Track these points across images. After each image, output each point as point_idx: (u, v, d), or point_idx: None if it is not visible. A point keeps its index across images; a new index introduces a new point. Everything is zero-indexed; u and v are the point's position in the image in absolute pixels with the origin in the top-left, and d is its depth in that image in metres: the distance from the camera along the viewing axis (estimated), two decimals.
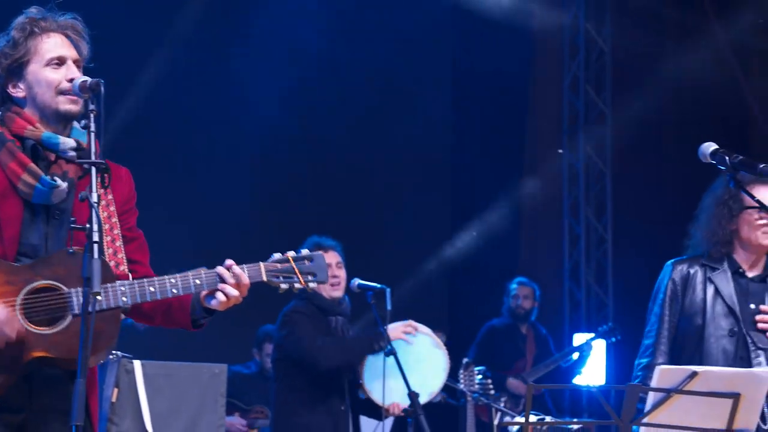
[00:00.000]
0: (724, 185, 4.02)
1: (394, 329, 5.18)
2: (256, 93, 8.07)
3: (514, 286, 8.04)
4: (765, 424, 3.65)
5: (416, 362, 5.17)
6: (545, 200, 9.86)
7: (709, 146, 3.62)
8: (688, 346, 4.03)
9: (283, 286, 2.97)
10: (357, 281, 5.27)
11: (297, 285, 2.97)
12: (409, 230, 8.79)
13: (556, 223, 9.93)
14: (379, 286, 5.19)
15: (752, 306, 4.03)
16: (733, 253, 4.07)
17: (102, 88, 2.80)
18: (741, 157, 3.50)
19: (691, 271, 4.07)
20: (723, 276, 4.04)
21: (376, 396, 5.16)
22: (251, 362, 7.29)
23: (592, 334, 8.16)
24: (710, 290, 4.02)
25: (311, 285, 3.00)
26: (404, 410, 5.07)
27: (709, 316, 4.03)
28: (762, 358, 3.91)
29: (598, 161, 9.85)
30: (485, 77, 9.17)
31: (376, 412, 5.21)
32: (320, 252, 3.09)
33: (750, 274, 4.08)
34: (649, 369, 3.93)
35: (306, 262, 3.01)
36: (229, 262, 2.94)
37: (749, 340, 3.97)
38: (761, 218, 3.97)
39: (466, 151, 9.32)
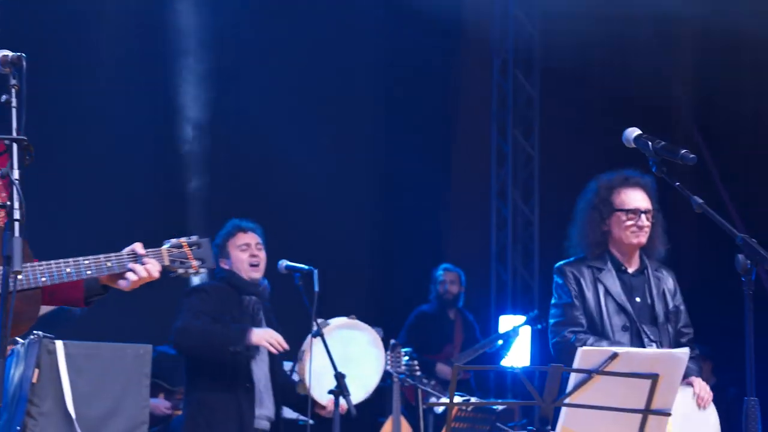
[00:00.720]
0: (594, 190, 4.47)
1: (258, 336, 5.06)
2: (176, 76, 8.01)
3: (440, 272, 8.11)
4: None
5: (354, 360, 5.15)
6: (474, 183, 9.93)
7: (633, 131, 3.69)
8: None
9: (180, 270, 3.06)
10: (284, 263, 5.26)
11: (190, 270, 3.04)
12: (337, 212, 8.79)
13: (484, 206, 10.01)
14: (306, 267, 5.18)
15: (638, 300, 4.40)
16: (610, 252, 4.43)
17: (24, 63, 2.75)
18: (663, 143, 3.57)
19: (580, 272, 4.41)
20: (609, 275, 4.39)
21: (317, 394, 5.13)
22: None
23: (518, 316, 8.26)
24: (601, 290, 4.36)
25: (201, 270, 3.08)
26: (330, 391, 5.07)
27: (605, 315, 4.35)
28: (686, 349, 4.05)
29: (526, 145, 9.95)
30: (415, 62, 9.18)
31: (305, 409, 5.17)
32: (207, 239, 3.15)
33: (630, 270, 4.45)
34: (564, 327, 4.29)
35: (197, 247, 3.07)
36: (137, 245, 3.00)
37: (642, 333, 4.26)
38: (629, 219, 4.36)
39: (395, 135, 9.33)
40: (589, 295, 4.37)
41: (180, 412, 6.72)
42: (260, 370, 5.24)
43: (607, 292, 4.38)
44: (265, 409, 5.21)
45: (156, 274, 3.02)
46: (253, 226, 5.39)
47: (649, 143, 3.60)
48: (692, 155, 3.50)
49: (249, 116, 8.38)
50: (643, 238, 4.41)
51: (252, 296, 5.27)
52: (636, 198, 4.41)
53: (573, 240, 4.54)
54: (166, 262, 3.05)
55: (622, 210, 4.38)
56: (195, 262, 3.08)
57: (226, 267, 5.30)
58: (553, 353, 4.42)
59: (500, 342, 7.77)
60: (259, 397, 5.19)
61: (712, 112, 9.36)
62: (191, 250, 3.08)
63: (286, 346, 5.09)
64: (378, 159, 9.43)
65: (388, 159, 9.39)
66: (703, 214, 3.45)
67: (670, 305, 4.47)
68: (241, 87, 8.43)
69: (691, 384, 4.25)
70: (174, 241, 3.09)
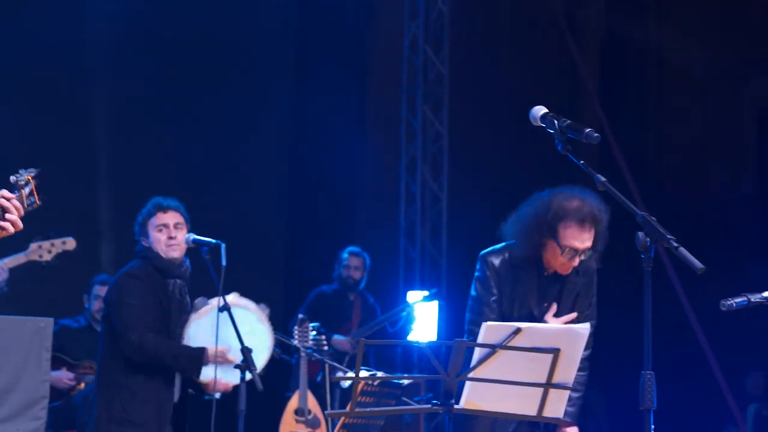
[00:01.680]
0: (546, 206, 4.34)
1: (211, 357, 5.05)
2: (79, 46, 7.85)
3: (345, 255, 8.10)
4: None
5: (243, 336, 5.12)
6: (384, 158, 9.95)
7: (540, 110, 3.71)
8: None
9: (32, 199, 3.23)
10: (192, 236, 5.20)
11: (35, 204, 3.24)
12: (247, 186, 8.73)
13: (394, 182, 10.04)
14: (214, 241, 5.14)
15: (545, 305, 4.44)
16: (537, 258, 4.42)
17: None
18: (569, 121, 3.60)
19: (502, 266, 4.41)
20: (527, 275, 4.41)
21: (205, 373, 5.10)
22: (80, 316, 7.12)
23: (425, 292, 8.34)
24: (518, 291, 4.36)
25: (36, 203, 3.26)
26: (236, 365, 5.04)
27: (517, 306, 4.39)
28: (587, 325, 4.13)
29: (435, 121, 9.99)
30: (327, 35, 9.14)
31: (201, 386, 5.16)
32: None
33: (546, 274, 4.46)
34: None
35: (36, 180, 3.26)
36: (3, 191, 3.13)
37: None
38: (565, 254, 4.32)
39: (307, 109, 9.29)
40: (505, 289, 4.40)
41: (83, 386, 6.61)
42: None
43: (522, 287, 4.42)
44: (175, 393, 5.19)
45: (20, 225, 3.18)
46: (175, 204, 5.30)
47: (555, 122, 3.62)
48: (596, 134, 3.53)
49: (157, 82, 8.23)
50: (570, 270, 4.41)
51: (176, 279, 5.22)
52: (581, 239, 4.32)
53: (511, 233, 4.47)
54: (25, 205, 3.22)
55: (561, 244, 4.31)
56: (37, 196, 3.26)
57: (147, 245, 5.25)
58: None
59: (404, 313, 7.83)
60: (174, 381, 5.16)
61: (616, 91, 9.52)
62: (35, 181, 3.25)
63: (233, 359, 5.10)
64: (288, 132, 9.37)
65: (298, 131, 9.35)
66: (606, 192, 3.49)
67: (584, 305, 4.52)
68: (143, 48, 8.25)
69: None
70: (22, 174, 3.26)
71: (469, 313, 4.49)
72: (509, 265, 4.44)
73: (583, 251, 4.33)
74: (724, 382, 8.93)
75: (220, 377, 5.11)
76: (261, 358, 5.25)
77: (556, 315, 4.45)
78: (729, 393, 8.97)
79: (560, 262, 4.38)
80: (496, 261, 4.45)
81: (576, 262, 4.37)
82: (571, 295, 4.48)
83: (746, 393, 9.26)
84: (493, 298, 4.42)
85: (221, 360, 5.10)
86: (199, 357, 5.07)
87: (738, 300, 3.57)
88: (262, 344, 5.28)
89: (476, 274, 4.50)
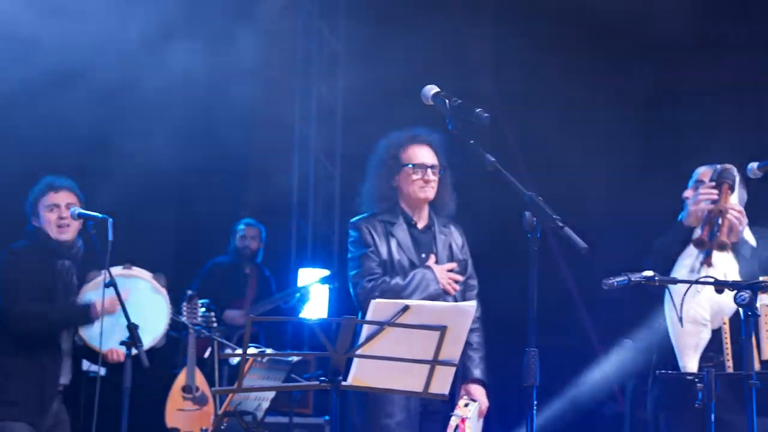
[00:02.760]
0: (385, 147, 4.68)
1: (98, 310, 4.95)
2: None
3: (241, 226, 8.06)
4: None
5: (137, 308, 5.04)
6: (277, 135, 9.88)
7: (431, 89, 3.75)
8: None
9: None
10: (77, 210, 5.11)
11: None
12: (136, 157, 8.56)
13: (286, 159, 9.99)
14: (100, 215, 5.05)
15: (423, 255, 4.58)
16: (401, 208, 4.61)
17: None
18: (459, 101, 3.64)
19: (374, 227, 4.56)
20: (400, 229, 4.56)
21: (93, 342, 5.02)
22: None
23: (318, 270, 8.35)
24: (393, 243, 4.53)
25: None
26: (122, 342, 4.97)
27: (398, 267, 4.50)
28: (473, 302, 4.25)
29: (330, 100, 9.97)
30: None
31: (95, 356, 5.07)
32: None
33: (420, 226, 4.63)
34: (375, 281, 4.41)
35: None
36: None
37: None
38: (415, 174, 4.57)
39: (197, 77, 9.13)
40: (383, 249, 4.51)
41: None
42: (67, 333, 5.10)
43: (399, 245, 4.55)
44: (64, 376, 5.08)
45: None
46: (68, 184, 5.20)
47: (446, 101, 3.66)
48: (486, 114, 3.59)
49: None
50: (430, 193, 4.61)
51: (66, 260, 5.10)
52: (422, 154, 4.61)
53: (365, 196, 4.69)
54: None
55: (409, 165, 4.57)
56: None
57: (37, 225, 5.13)
58: (357, 304, 4.51)
59: (297, 295, 7.82)
60: (61, 362, 5.06)
61: (510, 71, 9.64)
62: None
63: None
64: (180, 103, 9.21)
65: (189, 102, 9.19)
66: (495, 173, 3.54)
67: (459, 258, 4.65)
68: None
69: (472, 396, 4.50)
70: None
71: (352, 271, 4.60)
72: (380, 223, 4.59)
73: (433, 167, 4.59)
74: (604, 359, 9.17)
75: (113, 346, 5.02)
76: (158, 328, 5.21)
77: (437, 262, 4.60)
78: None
79: (418, 186, 4.57)
80: (367, 222, 4.60)
81: (431, 179, 4.57)
82: (445, 247, 4.63)
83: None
84: (371, 248, 4.55)
85: (111, 310, 4.97)
86: (86, 308, 4.98)
87: (619, 279, 3.66)
88: (159, 313, 5.24)
89: (350, 239, 4.64)
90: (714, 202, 4.12)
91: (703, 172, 4.35)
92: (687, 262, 4.06)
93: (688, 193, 4.35)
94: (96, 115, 8.24)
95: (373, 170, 4.71)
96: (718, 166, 4.29)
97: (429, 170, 4.60)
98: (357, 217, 4.68)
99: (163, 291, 5.30)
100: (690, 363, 4.00)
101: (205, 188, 9.04)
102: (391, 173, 4.63)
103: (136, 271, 5.25)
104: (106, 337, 4.90)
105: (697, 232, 4.08)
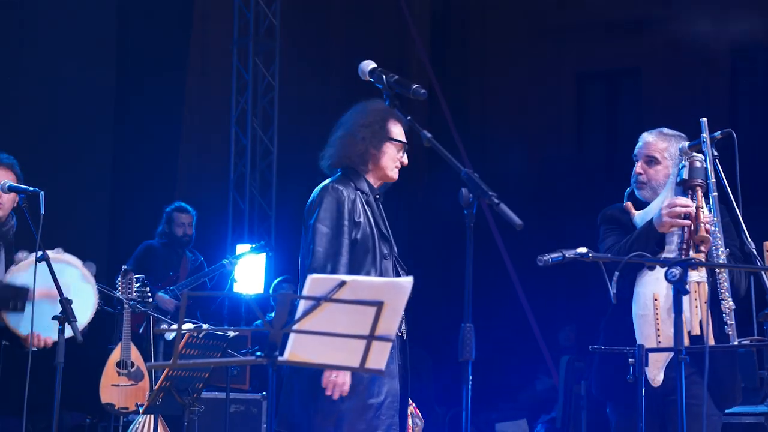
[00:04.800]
0: (373, 110, 4.18)
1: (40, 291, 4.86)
2: None
3: (174, 213, 7.94)
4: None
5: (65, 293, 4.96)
6: (214, 110, 9.81)
7: (368, 64, 3.72)
8: (365, 264, 4.16)
9: None
10: (7, 183, 5.01)
11: None
12: (70, 134, 8.45)
13: (224, 134, 9.93)
14: (31, 189, 4.95)
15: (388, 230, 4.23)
16: (365, 175, 4.22)
17: None
18: (396, 77, 3.62)
19: (351, 195, 4.15)
20: (372, 200, 4.20)
21: (14, 325, 4.93)
22: None
23: (253, 245, 8.30)
24: (369, 214, 4.22)
25: None
26: (54, 317, 4.89)
27: (377, 240, 4.17)
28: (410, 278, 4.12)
29: (267, 74, 9.91)
30: None
31: (17, 340, 4.98)
32: None
33: (377, 197, 4.25)
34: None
35: None
36: None
37: (397, 262, 4.27)
38: (398, 152, 4.20)
39: (129, 58, 9.03)
40: (361, 218, 4.15)
41: None
42: None
43: (374, 217, 4.21)
44: None
45: None
46: (10, 162, 5.07)
47: (384, 77, 3.64)
48: (423, 90, 3.57)
49: None
50: (396, 176, 4.28)
51: None
52: (404, 136, 4.24)
53: (330, 151, 4.26)
54: None
55: (396, 141, 4.20)
56: None
57: None
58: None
59: (225, 262, 7.76)
60: None
61: (445, 48, 9.67)
62: None
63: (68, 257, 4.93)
64: (113, 82, 9.10)
65: (124, 81, 9.09)
66: (432, 149, 3.54)
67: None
68: None
69: None
70: None
71: (320, 247, 4.09)
72: (354, 191, 4.18)
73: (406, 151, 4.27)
74: (539, 334, 9.30)
75: (39, 332, 4.94)
76: (84, 317, 5.11)
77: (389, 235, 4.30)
78: (544, 345, 9.34)
79: (396, 166, 4.25)
80: (344, 188, 4.17)
81: (405, 162, 4.26)
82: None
83: (559, 345, 9.67)
84: (346, 223, 4.14)
85: (44, 295, 4.87)
86: (21, 286, 4.87)
87: (554, 255, 3.68)
88: (86, 302, 5.14)
89: (323, 205, 4.13)
90: (687, 216, 3.97)
91: (653, 142, 4.25)
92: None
93: (639, 168, 4.20)
94: (31, 99, 8.12)
95: (351, 127, 4.22)
96: (682, 145, 4.06)
97: (405, 154, 4.26)
98: (331, 180, 4.21)
99: (92, 280, 5.19)
100: (648, 342, 4.01)
101: (139, 157, 8.95)
102: (374, 138, 4.18)
103: (67, 256, 5.14)
104: (33, 322, 4.80)
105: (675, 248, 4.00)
